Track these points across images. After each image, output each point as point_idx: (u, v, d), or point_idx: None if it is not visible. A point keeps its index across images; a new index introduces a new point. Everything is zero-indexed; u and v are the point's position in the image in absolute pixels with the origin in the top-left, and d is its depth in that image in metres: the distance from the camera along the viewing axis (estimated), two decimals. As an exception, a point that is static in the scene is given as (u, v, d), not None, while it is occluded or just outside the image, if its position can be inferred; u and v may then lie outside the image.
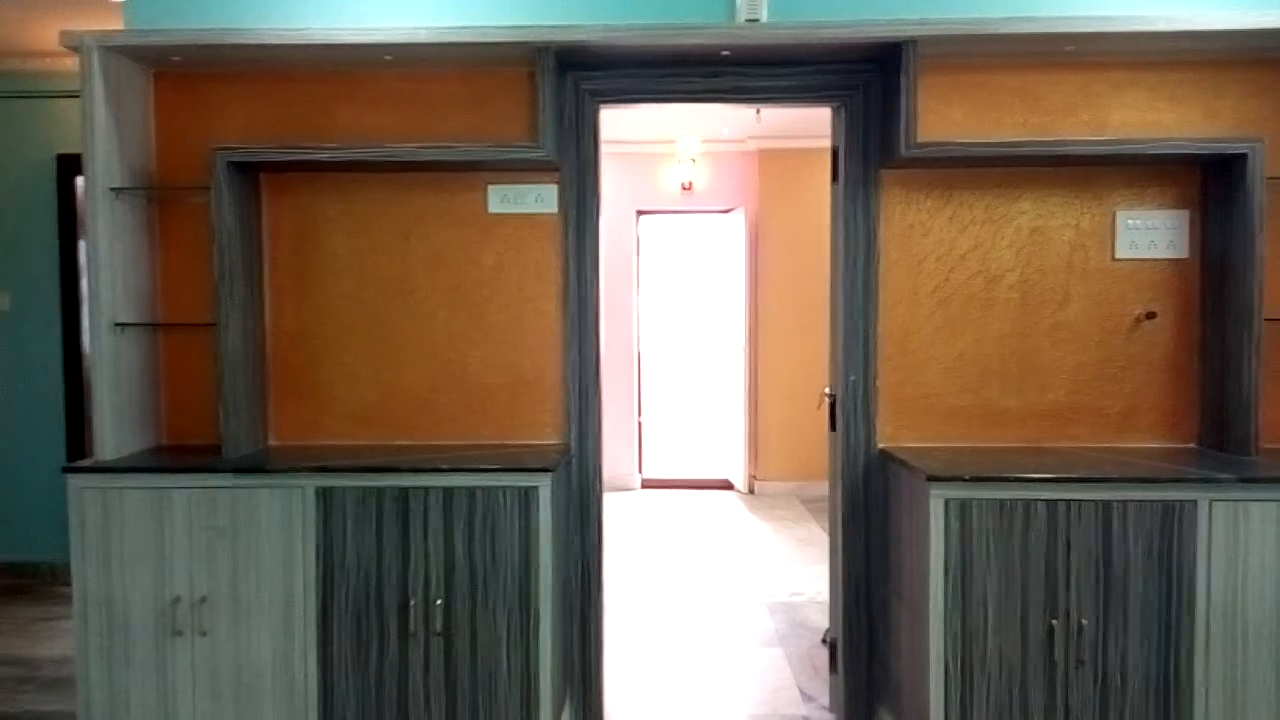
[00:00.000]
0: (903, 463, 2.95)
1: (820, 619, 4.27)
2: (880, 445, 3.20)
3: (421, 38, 2.88)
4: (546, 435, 3.25)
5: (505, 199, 3.22)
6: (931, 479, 2.68)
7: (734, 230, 7.37)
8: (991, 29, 2.84)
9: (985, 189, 3.16)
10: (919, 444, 3.19)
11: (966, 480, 2.68)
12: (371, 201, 3.21)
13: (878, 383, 3.20)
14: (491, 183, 3.21)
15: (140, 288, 3.10)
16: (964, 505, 2.67)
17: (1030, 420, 3.18)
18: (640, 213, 7.51)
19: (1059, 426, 3.17)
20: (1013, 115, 3.11)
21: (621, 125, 6.44)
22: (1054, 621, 2.66)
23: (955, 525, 2.68)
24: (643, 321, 7.72)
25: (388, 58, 3.03)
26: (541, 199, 3.22)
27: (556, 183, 3.21)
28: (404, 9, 3.14)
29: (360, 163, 3.03)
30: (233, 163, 2.93)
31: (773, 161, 7.15)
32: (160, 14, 3.14)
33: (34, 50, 4.66)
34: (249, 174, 3.09)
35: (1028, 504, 2.67)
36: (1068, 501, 2.65)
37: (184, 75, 3.16)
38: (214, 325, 2.95)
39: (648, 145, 7.20)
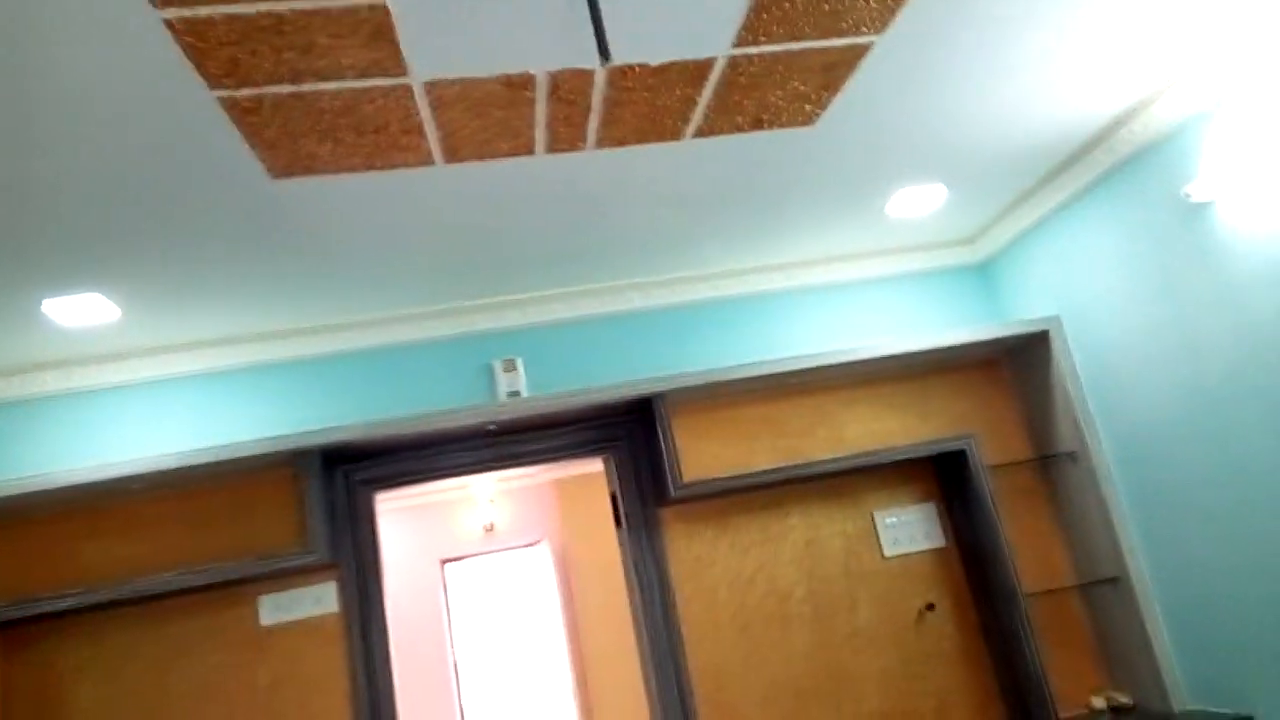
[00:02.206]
0: (740, 817, 2.79)
1: None
2: (716, 796, 3.03)
3: (171, 464, 2.80)
4: None
5: (279, 607, 3.03)
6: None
7: (542, 563, 7.29)
8: (721, 377, 3.15)
9: (756, 511, 3.34)
10: (754, 786, 3.05)
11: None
12: (123, 640, 2.91)
13: (700, 727, 3.09)
14: (262, 593, 3.02)
15: None
16: None
17: (854, 733, 3.15)
18: (445, 560, 7.30)
19: (882, 734, 3.16)
20: (762, 441, 3.37)
21: (412, 481, 6.42)
22: None
23: None
24: (461, 672, 7.23)
25: (136, 486, 2.90)
26: (320, 600, 3.05)
27: (336, 579, 3.08)
28: (157, 431, 3.09)
29: (106, 603, 2.78)
30: (-51, 631, 2.60)
31: (570, 489, 7.28)
32: None
33: None
34: (-28, 637, 2.74)
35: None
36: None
37: (-105, 538, 2.87)
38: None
39: (443, 493, 7.18)
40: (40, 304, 2.67)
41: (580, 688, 6.88)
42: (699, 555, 3.29)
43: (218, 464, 2.87)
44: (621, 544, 3.41)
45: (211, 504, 3.04)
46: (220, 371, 3.21)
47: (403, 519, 7.07)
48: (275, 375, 3.24)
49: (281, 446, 2.89)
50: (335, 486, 3.15)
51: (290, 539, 3.02)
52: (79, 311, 2.77)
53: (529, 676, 8.66)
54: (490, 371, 3.36)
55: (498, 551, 7.49)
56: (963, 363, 3.53)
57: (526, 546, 7.43)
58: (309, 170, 2.29)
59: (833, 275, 3.64)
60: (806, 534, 3.34)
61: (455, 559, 7.34)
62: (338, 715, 2.95)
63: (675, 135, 2.45)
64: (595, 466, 7.04)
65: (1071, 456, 3.29)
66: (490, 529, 7.29)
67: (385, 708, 3.00)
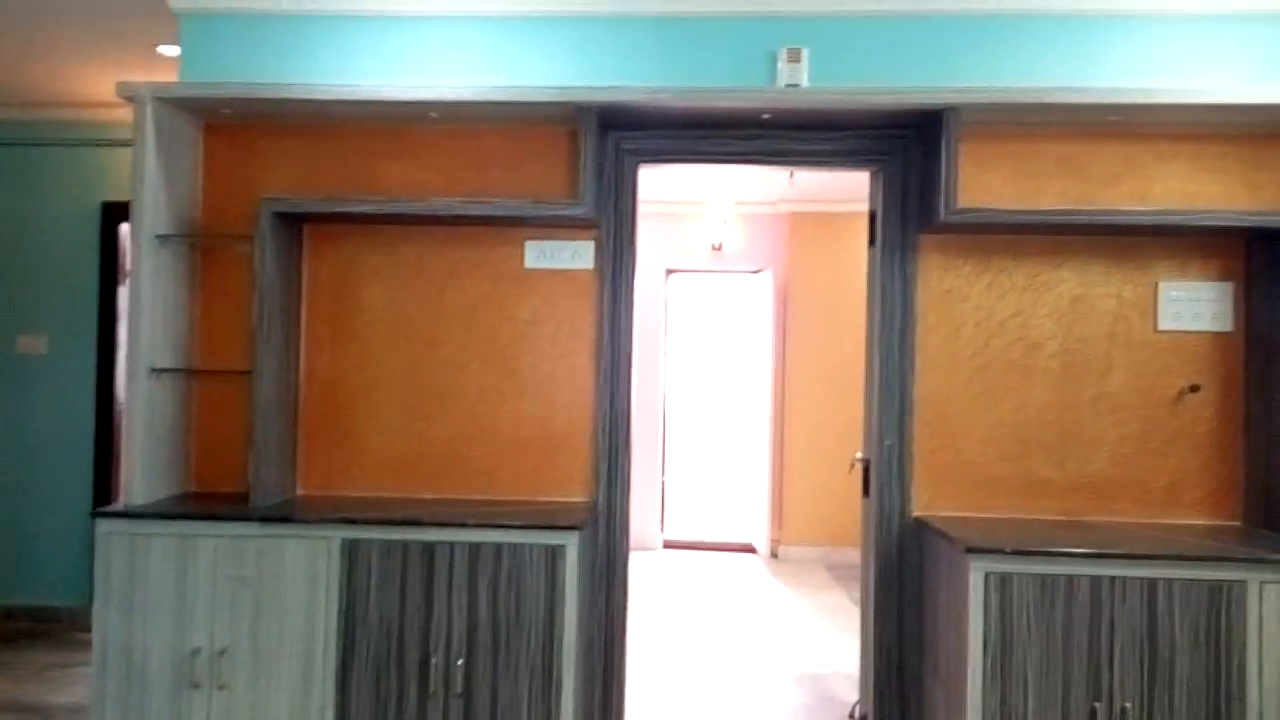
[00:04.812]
0: (940, 532, 2.88)
1: (848, 692, 4.14)
2: (915, 513, 3.13)
3: (468, 96, 2.93)
4: (574, 492, 3.21)
5: (542, 254, 3.24)
6: (971, 550, 2.61)
7: (763, 291, 7.38)
8: (1034, 98, 2.85)
9: (1025, 256, 3.14)
10: (956, 513, 3.12)
11: (1007, 553, 2.60)
12: (410, 254, 3.23)
13: (913, 448, 3.15)
14: (529, 238, 3.23)
15: (178, 333, 3.13)
16: (1004, 579, 2.60)
17: (1071, 492, 3.10)
18: (670, 271, 7.54)
19: (1101, 500, 3.09)
20: (1054, 183, 3.10)
21: (653, 184, 6.51)
22: (1096, 704, 2.56)
23: (995, 599, 2.60)
24: (668, 380, 7.70)
25: (433, 115, 3.08)
26: (578, 255, 3.24)
27: (593, 239, 3.23)
28: (450, 68, 3.22)
29: (402, 216, 3.06)
30: (277, 213, 2.97)
31: (803, 224, 7.18)
32: (213, 68, 3.24)
33: (84, 101, 4.79)
34: (292, 224, 3.13)
35: (1070, 580, 2.59)
36: (1112, 578, 2.57)
37: (233, 127, 3.23)
38: (248, 373, 2.97)
39: (678, 205, 7.27)
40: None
41: (776, 407, 7.18)
42: (951, 288, 3.17)
43: (508, 105, 2.97)
44: (871, 264, 3.33)
45: (495, 146, 3.20)
46: (512, 16, 3.23)
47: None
48: (561, 29, 3.23)
49: (566, 98, 2.95)
50: (606, 151, 3.22)
51: (560, 191, 3.17)
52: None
53: (729, 392, 9.12)
54: (772, 60, 3.20)
55: (722, 273, 7.64)
56: (1320, 133, 3.01)
57: (750, 272, 7.52)
58: None
59: (1184, 2, 3.09)
60: (1076, 290, 3.12)
61: (681, 271, 7.57)
62: (582, 358, 3.22)
63: None
64: (832, 206, 6.89)
65: None
66: (718, 249, 7.39)
67: (622, 361, 3.24)
